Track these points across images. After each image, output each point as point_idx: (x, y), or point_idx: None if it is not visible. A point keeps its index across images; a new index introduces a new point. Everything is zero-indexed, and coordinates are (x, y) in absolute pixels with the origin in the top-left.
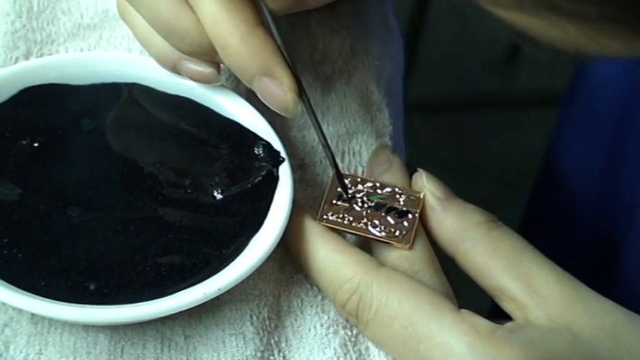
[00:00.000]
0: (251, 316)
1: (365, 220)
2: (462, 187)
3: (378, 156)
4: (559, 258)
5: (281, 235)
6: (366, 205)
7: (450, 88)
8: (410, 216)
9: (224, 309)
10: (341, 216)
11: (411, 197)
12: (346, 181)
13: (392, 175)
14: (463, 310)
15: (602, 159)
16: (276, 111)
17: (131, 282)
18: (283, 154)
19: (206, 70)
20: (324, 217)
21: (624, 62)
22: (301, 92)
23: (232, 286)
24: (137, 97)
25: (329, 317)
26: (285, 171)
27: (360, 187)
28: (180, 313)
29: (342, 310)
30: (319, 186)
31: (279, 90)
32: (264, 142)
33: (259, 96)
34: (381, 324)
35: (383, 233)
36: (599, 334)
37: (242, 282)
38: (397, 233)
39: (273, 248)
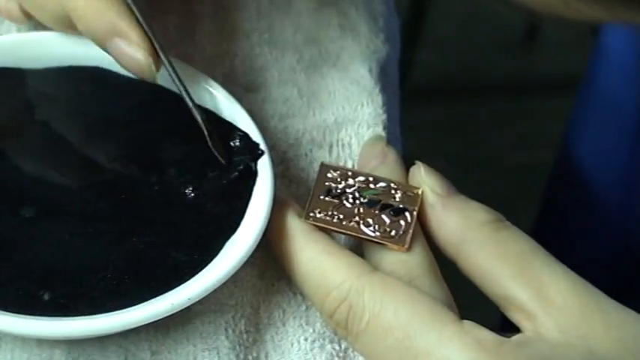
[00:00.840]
0: (226, 329)
1: (357, 218)
2: (471, 184)
3: (370, 148)
4: (577, 264)
5: (260, 237)
6: (357, 202)
7: (458, 72)
8: (407, 214)
9: (195, 321)
10: (330, 213)
11: (409, 193)
12: (335, 175)
13: (387, 169)
14: (466, 322)
15: (624, 152)
16: (134, 75)
17: (90, 291)
18: (263, 146)
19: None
20: (311, 214)
21: None
22: (157, 52)
23: (204, 295)
24: (98, 82)
25: (314, 330)
26: (264, 165)
27: (350, 181)
28: (146, 326)
29: (329, 320)
30: (304, 182)
31: (131, 50)
32: (241, 133)
33: (116, 61)
34: (373, 336)
35: (377, 233)
36: (618, 348)
37: (216, 291)
38: (393, 233)
39: (250, 252)
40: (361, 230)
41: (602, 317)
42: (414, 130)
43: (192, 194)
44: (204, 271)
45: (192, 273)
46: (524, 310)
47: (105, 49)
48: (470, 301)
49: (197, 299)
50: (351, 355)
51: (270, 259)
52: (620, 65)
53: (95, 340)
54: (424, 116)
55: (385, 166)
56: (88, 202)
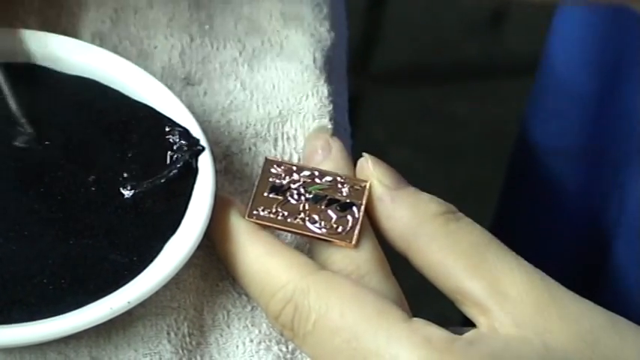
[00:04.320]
0: (168, 333)
1: (302, 214)
2: (441, 171)
3: (314, 141)
4: (537, 255)
5: (201, 237)
6: (303, 198)
7: (424, 55)
8: (354, 209)
9: (137, 325)
10: (274, 211)
11: (356, 187)
12: (279, 170)
13: (332, 162)
14: (416, 320)
15: (583, 136)
16: None
17: (26, 297)
18: (203, 141)
19: None
20: (254, 212)
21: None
22: None
23: (144, 298)
24: (33, 79)
25: (260, 331)
26: (205, 162)
27: (295, 176)
28: (87, 331)
29: (275, 322)
30: (248, 178)
31: None
32: (180, 129)
33: None
34: (320, 338)
35: (323, 230)
36: (575, 341)
37: (157, 294)
38: (340, 229)
39: (192, 253)
40: (307, 227)
41: (558, 310)
42: (380, 115)
43: (131, 194)
44: (143, 273)
45: (132, 275)
46: (479, 305)
47: None
48: (432, 295)
49: (137, 302)
50: (299, 356)
51: (214, 260)
52: (576, 46)
53: (34, 347)
54: (391, 101)
55: (330, 159)
56: (22, 204)
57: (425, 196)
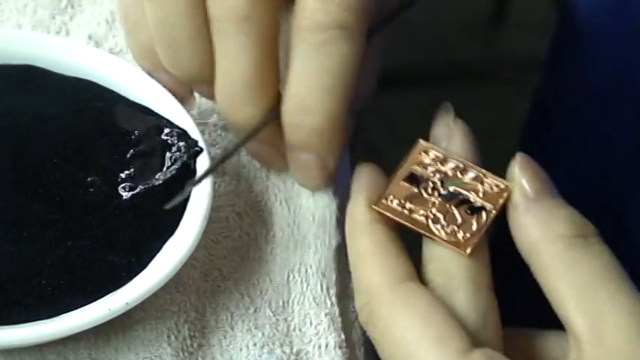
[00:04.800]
0: (168, 336)
1: (428, 212)
2: None
3: (436, 129)
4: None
5: (199, 237)
6: (436, 193)
7: (423, 56)
8: (484, 214)
9: (137, 328)
10: (402, 202)
11: (494, 188)
12: (426, 158)
13: (456, 148)
14: (477, 352)
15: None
16: None
17: (25, 298)
18: (201, 143)
19: (185, 92)
20: (384, 201)
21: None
22: None
23: (142, 299)
24: (31, 80)
25: (263, 334)
26: (203, 163)
27: (440, 166)
28: (86, 333)
29: (360, 314)
30: (245, 179)
31: None
32: (179, 130)
33: None
34: (384, 347)
35: (442, 233)
36: None
37: (157, 295)
38: (460, 235)
39: (190, 253)
40: (429, 228)
41: None
42: (380, 116)
43: (129, 195)
44: (141, 274)
45: (130, 277)
46: (577, 340)
47: None
48: None
49: (135, 304)
50: (304, 358)
51: (215, 259)
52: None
53: (33, 348)
54: (390, 101)
55: (453, 145)
56: (21, 206)
57: (561, 212)
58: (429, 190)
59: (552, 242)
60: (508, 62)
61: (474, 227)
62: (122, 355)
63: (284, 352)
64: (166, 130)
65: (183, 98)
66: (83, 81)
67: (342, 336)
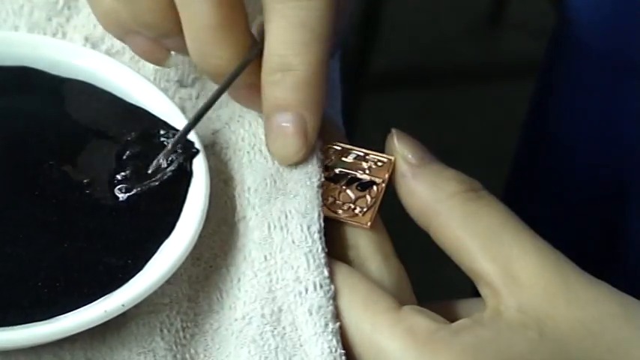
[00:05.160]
0: (161, 330)
1: (328, 198)
2: None
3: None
4: (548, 233)
5: (196, 238)
6: (330, 178)
7: (421, 58)
8: (374, 187)
9: (130, 325)
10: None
11: (378, 164)
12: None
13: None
14: (404, 308)
15: (595, 109)
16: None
17: (21, 300)
18: (198, 144)
19: (159, 50)
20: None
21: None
22: None
23: (138, 301)
24: (27, 82)
25: (245, 303)
26: (200, 164)
27: (332, 156)
28: (81, 333)
29: None
30: (241, 181)
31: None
32: (175, 132)
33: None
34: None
35: (340, 211)
36: (577, 329)
37: None
38: (357, 210)
39: (186, 256)
40: (329, 210)
41: (567, 296)
42: (379, 116)
43: (125, 196)
44: (137, 275)
45: (126, 278)
46: (491, 286)
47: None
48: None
49: (131, 305)
50: (286, 310)
51: (204, 240)
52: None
53: (29, 350)
54: (389, 102)
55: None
56: (17, 207)
57: (448, 173)
58: (331, 177)
59: (446, 200)
60: (507, 63)
61: (369, 201)
62: (117, 352)
63: (266, 314)
64: (162, 132)
65: (159, 59)
66: (79, 83)
67: (326, 272)
